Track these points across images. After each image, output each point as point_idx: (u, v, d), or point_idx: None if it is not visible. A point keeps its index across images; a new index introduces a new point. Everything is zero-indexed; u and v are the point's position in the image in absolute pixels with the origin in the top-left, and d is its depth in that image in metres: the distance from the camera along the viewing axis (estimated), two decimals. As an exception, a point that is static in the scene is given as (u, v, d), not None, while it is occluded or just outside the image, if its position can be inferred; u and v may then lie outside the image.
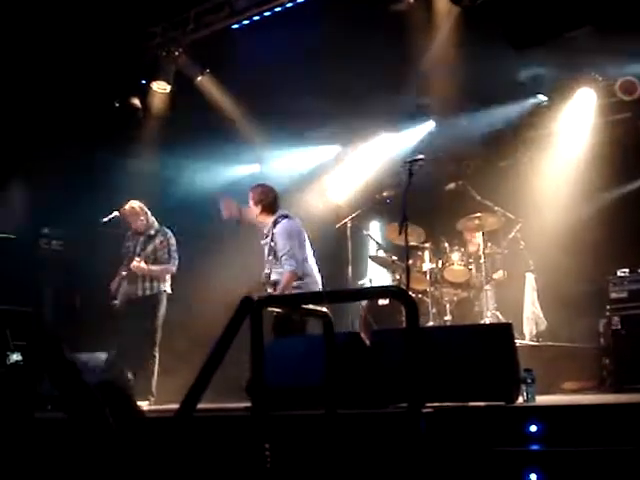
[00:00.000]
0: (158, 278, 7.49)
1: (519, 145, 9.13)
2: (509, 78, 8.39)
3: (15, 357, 6.27)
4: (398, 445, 3.83)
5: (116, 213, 7.64)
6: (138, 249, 7.53)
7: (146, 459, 3.75)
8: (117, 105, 8.78)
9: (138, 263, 7.36)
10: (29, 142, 8.47)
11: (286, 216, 6.66)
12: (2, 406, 4.23)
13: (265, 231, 6.70)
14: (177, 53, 8.56)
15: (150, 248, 7.47)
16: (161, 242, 7.52)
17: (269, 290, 6.55)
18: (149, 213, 7.65)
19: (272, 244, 6.53)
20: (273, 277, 6.55)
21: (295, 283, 6.42)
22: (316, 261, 6.69)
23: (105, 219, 7.70)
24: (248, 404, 3.83)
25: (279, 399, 4.29)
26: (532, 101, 8.86)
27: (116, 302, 7.48)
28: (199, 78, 8.88)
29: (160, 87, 8.77)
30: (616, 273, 6.85)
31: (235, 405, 5.46)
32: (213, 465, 4.44)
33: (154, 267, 7.47)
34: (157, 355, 7.34)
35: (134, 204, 7.62)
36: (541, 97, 8.83)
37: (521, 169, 9.06)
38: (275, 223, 6.60)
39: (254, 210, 6.73)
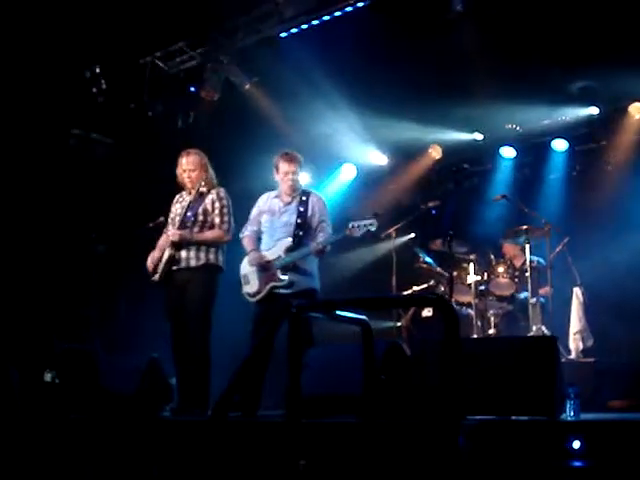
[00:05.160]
0: (207, 247, 6.08)
1: (569, 157, 8.99)
2: (559, 89, 8.26)
3: (49, 376, 6.12)
4: (436, 458, 3.77)
5: (162, 218, 7.68)
6: (183, 210, 6.19)
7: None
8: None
9: (175, 230, 6.08)
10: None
11: None
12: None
13: (286, 200, 6.21)
14: (225, 61, 8.59)
15: (200, 209, 6.13)
16: (212, 202, 6.17)
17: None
18: (210, 169, 6.29)
19: (301, 209, 6.09)
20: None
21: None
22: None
23: (151, 224, 7.76)
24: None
25: (316, 407, 4.26)
26: (583, 113, 8.70)
27: (156, 277, 6.21)
28: (247, 86, 8.88)
29: (208, 95, 8.81)
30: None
31: (270, 412, 5.43)
32: (243, 471, 4.42)
33: (199, 234, 6.09)
34: (208, 352, 5.86)
35: (196, 152, 6.28)
36: (592, 109, 8.67)
37: (570, 182, 8.92)
38: (307, 193, 6.24)
39: (295, 177, 6.17)
